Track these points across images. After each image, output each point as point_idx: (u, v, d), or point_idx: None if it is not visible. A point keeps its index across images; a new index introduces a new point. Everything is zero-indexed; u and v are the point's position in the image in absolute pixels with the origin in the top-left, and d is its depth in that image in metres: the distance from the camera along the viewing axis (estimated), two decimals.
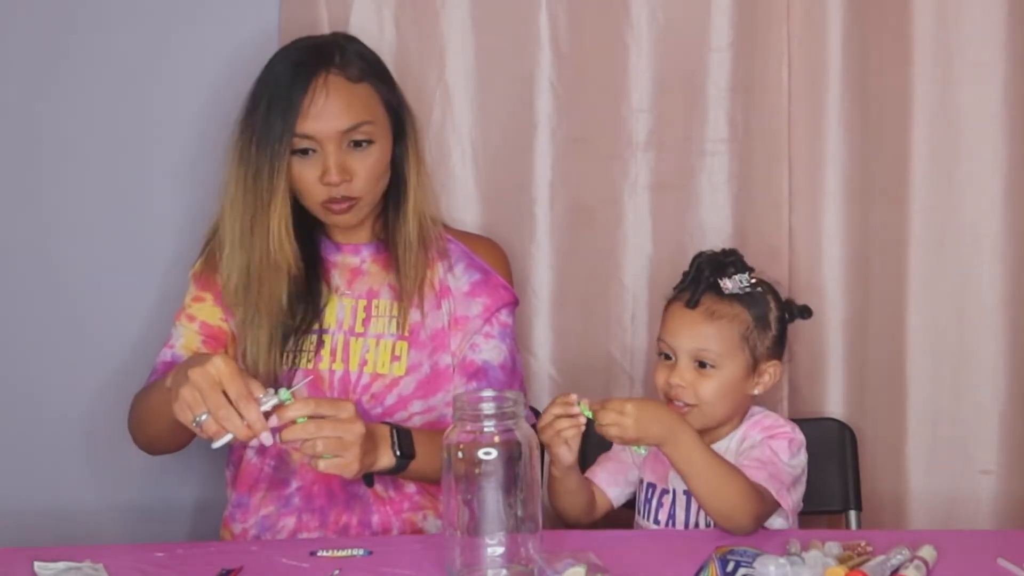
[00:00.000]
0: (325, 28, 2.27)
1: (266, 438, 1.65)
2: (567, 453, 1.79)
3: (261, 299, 1.96)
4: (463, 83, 2.34)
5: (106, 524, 2.41)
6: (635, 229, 2.36)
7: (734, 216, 2.35)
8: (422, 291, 2.03)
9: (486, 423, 1.58)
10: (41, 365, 2.41)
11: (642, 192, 2.36)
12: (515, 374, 2.08)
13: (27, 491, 2.41)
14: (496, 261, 2.11)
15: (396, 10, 2.32)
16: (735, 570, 1.56)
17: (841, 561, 1.59)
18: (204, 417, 1.63)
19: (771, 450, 1.87)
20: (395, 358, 2.02)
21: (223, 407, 1.63)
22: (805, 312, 1.99)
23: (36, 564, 1.65)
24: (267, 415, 1.65)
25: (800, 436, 1.91)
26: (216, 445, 1.66)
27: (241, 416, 1.63)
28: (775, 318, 1.94)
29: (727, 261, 1.92)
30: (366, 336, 2.02)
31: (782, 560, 1.53)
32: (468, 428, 1.59)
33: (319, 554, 1.71)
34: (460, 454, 1.58)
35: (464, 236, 2.14)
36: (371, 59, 2.01)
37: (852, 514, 2.18)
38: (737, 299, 1.90)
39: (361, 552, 1.72)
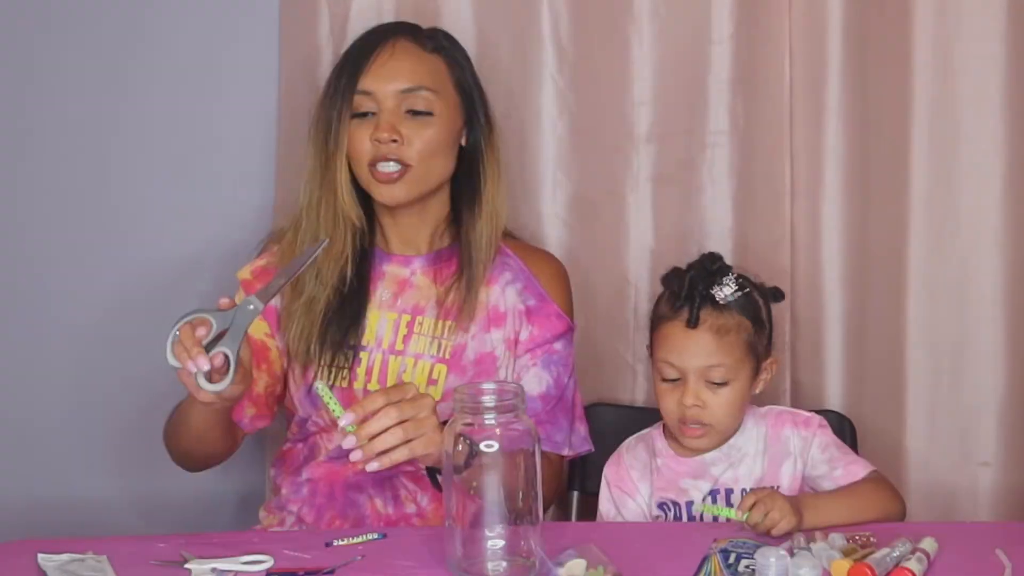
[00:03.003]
0: (325, 27, 2.28)
1: (202, 363, 1.60)
2: None
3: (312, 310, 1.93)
4: None
5: (122, 518, 2.41)
6: (637, 222, 2.36)
7: (735, 208, 2.35)
8: (473, 308, 1.97)
9: (487, 415, 1.58)
10: (47, 361, 2.41)
11: (644, 185, 2.36)
12: (561, 403, 2.01)
13: (34, 486, 2.42)
14: (555, 284, 2.05)
15: (396, 10, 2.31)
16: (737, 561, 1.57)
17: (845, 554, 1.59)
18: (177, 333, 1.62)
19: (830, 442, 1.93)
20: (432, 381, 1.96)
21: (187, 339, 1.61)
22: (778, 295, 1.99)
23: (40, 556, 1.65)
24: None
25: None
26: (209, 388, 1.65)
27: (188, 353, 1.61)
28: (765, 316, 1.94)
29: (714, 269, 1.89)
30: (404, 355, 1.97)
31: (782, 551, 1.54)
32: (469, 420, 1.59)
33: (335, 544, 1.72)
34: (461, 446, 1.59)
35: (525, 251, 2.07)
36: (455, 43, 2.00)
37: None
38: (735, 307, 1.88)
39: (375, 536, 1.73)
